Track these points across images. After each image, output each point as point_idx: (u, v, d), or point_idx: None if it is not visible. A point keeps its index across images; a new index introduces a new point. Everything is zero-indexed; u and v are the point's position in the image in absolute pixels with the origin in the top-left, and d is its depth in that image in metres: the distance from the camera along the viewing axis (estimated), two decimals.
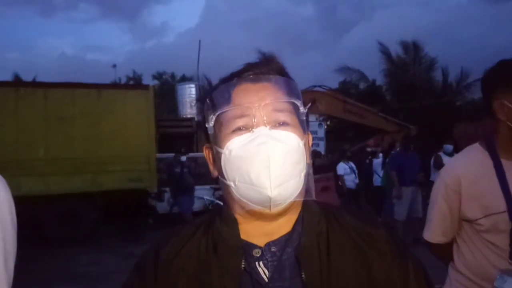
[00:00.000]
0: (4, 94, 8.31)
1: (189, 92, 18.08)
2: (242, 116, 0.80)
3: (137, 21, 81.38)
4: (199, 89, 18.92)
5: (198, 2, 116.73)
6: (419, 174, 7.61)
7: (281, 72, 0.86)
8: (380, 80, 22.89)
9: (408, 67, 21.26)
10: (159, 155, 9.73)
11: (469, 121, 17.30)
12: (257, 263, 0.82)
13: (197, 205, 9.86)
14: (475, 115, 18.27)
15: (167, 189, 9.87)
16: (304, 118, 0.84)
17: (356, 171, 9.89)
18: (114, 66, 27.27)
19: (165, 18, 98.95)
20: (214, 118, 0.82)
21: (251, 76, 0.83)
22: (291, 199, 0.78)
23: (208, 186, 10.22)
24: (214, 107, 0.82)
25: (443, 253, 1.76)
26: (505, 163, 1.57)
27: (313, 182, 0.84)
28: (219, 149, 0.81)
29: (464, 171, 1.62)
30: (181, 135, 13.18)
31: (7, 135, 8.05)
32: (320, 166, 8.95)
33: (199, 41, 21.52)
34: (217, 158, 0.83)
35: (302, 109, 0.83)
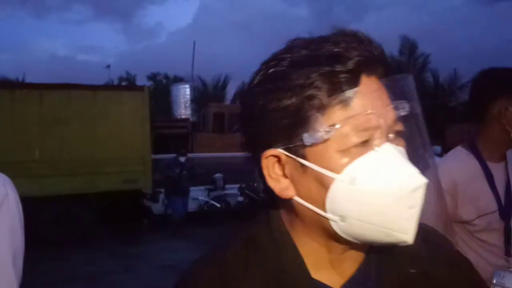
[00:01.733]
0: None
1: (184, 92, 18.06)
2: (368, 129, 0.57)
3: (131, 21, 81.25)
4: (194, 90, 19.01)
5: (192, 2, 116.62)
6: None
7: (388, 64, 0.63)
8: None
9: (403, 68, 21.47)
10: (154, 156, 9.78)
11: (462, 122, 17.51)
12: None
13: (192, 206, 9.92)
14: (468, 116, 18.51)
15: (162, 190, 9.93)
16: (425, 127, 0.65)
17: None
18: (108, 66, 27.16)
19: (159, 18, 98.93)
20: (326, 127, 0.56)
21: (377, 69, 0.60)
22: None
23: (202, 187, 10.28)
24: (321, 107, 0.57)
25: None
26: (490, 165, 1.65)
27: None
28: (328, 173, 0.57)
29: (459, 175, 1.67)
30: (176, 136, 13.19)
31: (2, 137, 8.04)
32: None
33: (194, 42, 21.70)
34: (305, 178, 0.60)
35: (421, 117, 0.63)
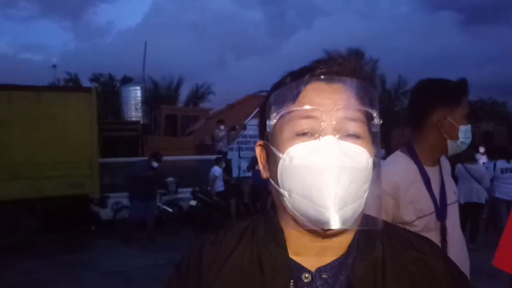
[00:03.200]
0: None
1: (135, 94, 17.69)
2: (309, 118, 0.70)
3: (80, 19, 78.15)
4: (145, 91, 18.62)
5: (144, 2, 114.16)
6: None
7: (359, 74, 0.75)
8: None
9: None
10: (102, 160, 9.50)
11: (406, 126, 18.38)
12: None
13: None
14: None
15: (110, 195, 9.66)
16: (377, 130, 0.74)
17: None
18: (54, 66, 25.89)
19: (110, 17, 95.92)
20: (277, 116, 0.72)
21: (325, 76, 0.73)
22: (351, 222, 0.68)
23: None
24: (278, 104, 0.73)
25: None
26: (426, 168, 1.76)
27: (382, 206, 0.74)
28: (278, 153, 0.72)
29: (401, 178, 1.75)
30: (126, 138, 12.89)
31: None
32: None
33: (145, 42, 21.23)
34: (272, 160, 0.75)
35: (377, 121, 0.73)
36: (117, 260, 7.25)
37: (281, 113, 0.72)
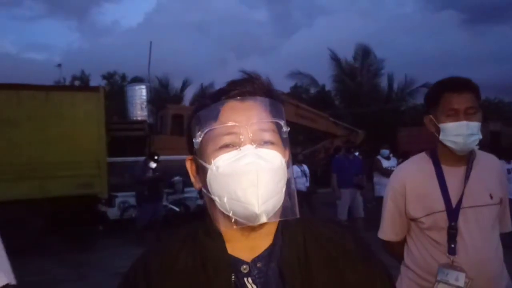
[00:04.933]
0: None
1: (140, 93, 17.67)
2: (229, 133, 0.83)
3: (85, 19, 78.28)
4: (150, 91, 18.61)
5: (149, 1, 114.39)
6: (357, 176, 8.07)
7: (267, 91, 0.89)
8: (329, 86, 23.62)
9: (356, 73, 22.10)
10: (109, 159, 9.47)
11: (412, 125, 18.31)
12: (245, 279, 0.85)
13: None
14: (418, 120, 19.35)
15: (118, 194, 9.65)
16: (286, 136, 0.88)
17: (308, 175, 10.17)
18: (59, 65, 25.85)
19: (115, 16, 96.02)
20: (202, 135, 0.85)
21: (238, 96, 0.86)
22: (274, 213, 0.82)
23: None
24: (201, 124, 0.85)
25: (396, 251, 1.95)
26: (445, 168, 1.78)
27: (295, 197, 0.86)
28: (206, 164, 0.84)
29: (409, 176, 1.84)
30: (133, 138, 12.89)
31: None
32: None
33: (150, 42, 21.23)
34: (201, 171, 0.87)
35: (285, 129, 0.87)
36: (125, 260, 7.21)
37: (205, 131, 0.84)
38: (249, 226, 0.83)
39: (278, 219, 0.85)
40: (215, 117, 0.85)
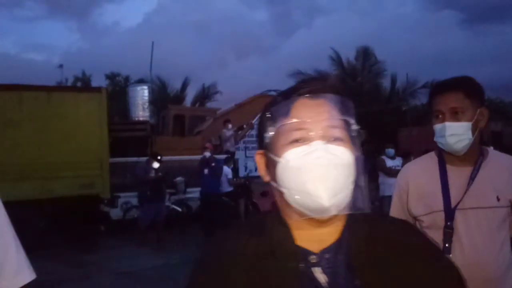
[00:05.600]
0: None
1: (142, 94, 17.65)
2: (300, 129, 0.85)
3: (86, 20, 78.08)
4: (152, 91, 18.62)
5: (150, 2, 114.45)
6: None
7: (336, 89, 0.90)
8: None
9: (357, 74, 22.11)
10: (111, 159, 9.49)
11: (413, 125, 18.31)
12: (314, 268, 0.86)
13: None
14: (419, 120, 19.36)
15: (120, 194, 9.67)
16: (355, 134, 0.89)
17: None
18: (61, 66, 25.83)
19: (116, 17, 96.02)
20: (273, 129, 0.88)
21: (308, 93, 0.88)
22: (342, 208, 0.83)
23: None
24: (274, 120, 0.88)
25: None
26: (450, 168, 1.77)
27: (366, 193, 0.88)
28: (276, 158, 0.87)
29: (413, 174, 1.86)
30: (135, 138, 12.90)
31: None
32: None
33: (152, 42, 21.24)
34: (271, 165, 0.89)
35: (354, 127, 0.89)
36: (128, 260, 7.25)
37: (277, 126, 0.87)
38: (317, 219, 0.84)
39: (346, 212, 0.86)
40: (286, 113, 0.87)
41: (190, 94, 25.43)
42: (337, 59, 22.13)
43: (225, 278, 0.88)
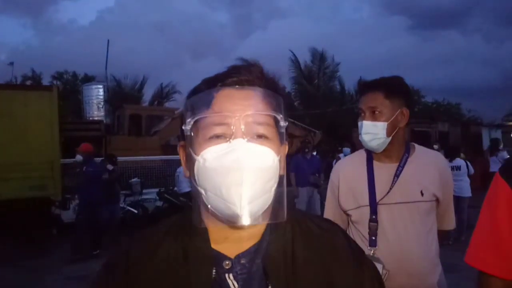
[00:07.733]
0: None
1: (97, 93, 17.25)
2: (221, 124, 0.78)
3: (41, 17, 74.65)
4: (108, 90, 18.16)
5: (107, 1, 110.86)
6: (314, 176, 8.40)
7: (267, 81, 0.83)
8: (288, 87, 24.04)
9: (314, 76, 22.65)
10: (63, 160, 9.22)
11: None
12: (226, 275, 0.81)
13: None
14: None
15: (72, 196, 9.38)
16: (284, 130, 0.82)
17: None
18: (11, 64, 24.60)
19: (72, 15, 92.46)
20: (192, 122, 0.79)
21: (235, 84, 0.80)
22: (259, 214, 0.77)
23: None
24: (193, 110, 0.80)
25: None
26: (377, 164, 1.84)
27: (285, 198, 0.81)
28: (194, 155, 0.79)
29: (343, 169, 1.93)
30: (88, 139, 12.55)
31: None
32: None
33: (108, 40, 20.70)
34: (190, 161, 0.82)
35: (282, 123, 0.81)
36: (80, 263, 7.08)
37: (195, 118, 0.79)
38: (235, 225, 0.78)
39: (261, 223, 0.80)
40: (207, 104, 0.79)
41: (148, 94, 25.02)
42: (295, 61, 22.56)
43: (128, 285, 0.82)
